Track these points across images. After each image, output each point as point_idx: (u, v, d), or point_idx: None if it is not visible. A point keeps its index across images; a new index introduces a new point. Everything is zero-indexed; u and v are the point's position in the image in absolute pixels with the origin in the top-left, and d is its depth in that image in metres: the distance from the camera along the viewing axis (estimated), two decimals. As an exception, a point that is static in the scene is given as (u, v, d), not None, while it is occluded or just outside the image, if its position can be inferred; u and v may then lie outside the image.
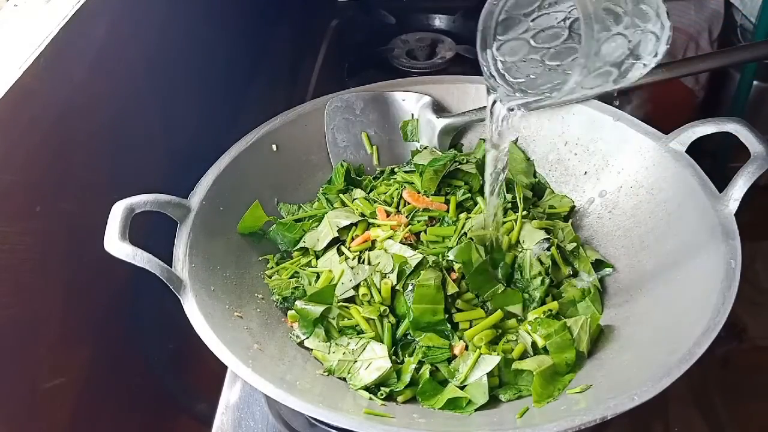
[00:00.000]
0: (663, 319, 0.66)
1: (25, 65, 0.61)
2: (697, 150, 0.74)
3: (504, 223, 0.76)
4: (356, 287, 0.71)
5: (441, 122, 0.87)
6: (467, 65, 1.15)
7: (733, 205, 0.68)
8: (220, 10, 1.09)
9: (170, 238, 0.69)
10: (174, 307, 0.63)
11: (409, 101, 0.89)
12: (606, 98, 0.83)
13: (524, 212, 0.77)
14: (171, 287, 0.63)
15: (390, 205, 0.81)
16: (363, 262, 0.73)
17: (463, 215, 0.78)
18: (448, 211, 0.79)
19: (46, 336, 0.66)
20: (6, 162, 0.59)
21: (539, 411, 0.62)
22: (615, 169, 0.81)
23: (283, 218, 0.81)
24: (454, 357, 0.67)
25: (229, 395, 0.73)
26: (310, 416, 0.56)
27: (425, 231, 0.76)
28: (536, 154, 0.88)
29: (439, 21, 1.30)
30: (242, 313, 0.69)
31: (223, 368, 0.73)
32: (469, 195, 0.80)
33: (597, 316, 0.71)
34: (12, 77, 0.60)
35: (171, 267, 0.65)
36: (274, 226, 0.80)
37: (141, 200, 0.65)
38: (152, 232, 0.67)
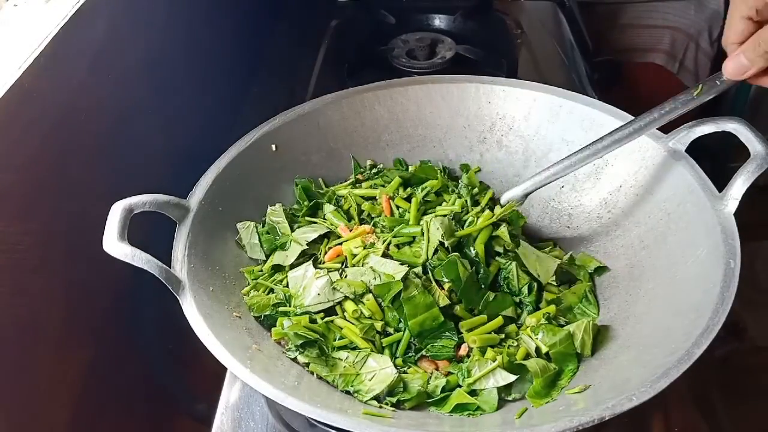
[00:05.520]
0: (662, 319, 0.66)
1: (25, 65, 0.61)
2: (697, 150, 0.74)
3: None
4: (340, 303, 0.69)
5: None
6: (467, 65, 1.14)
7: (733, 204, 0.68)
8: (220, 10, 1.10)
9: (170, 238, 0.69)
10: (173, 307, 0.63)
11: None
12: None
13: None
14: (169, 288, 0.63)
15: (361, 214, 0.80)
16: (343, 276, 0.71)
17: (426, 217, 0.75)
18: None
19: (46, 336, 0.66)
20: (6, 162, 0.59)
21: (538, 411, 0.62)
22: (615, 168, 0.81)
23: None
24: (459, 357, 0.67)
25: (229, 395, 0.73)
26: (309, 417, 0.56)
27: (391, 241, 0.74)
28: (536, 153, 0.87)
29: (439, 21, 1.30)
30: (241, 314, 0.69)
31: (223, 368, 0.73)
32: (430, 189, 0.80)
33: (594, 317, 0.72)
34: (12, 77, 0.60)
35: (170, 267, 0.64)
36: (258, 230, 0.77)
37: (140, 200, 0.65)
38: (152, 232, 0.67)
